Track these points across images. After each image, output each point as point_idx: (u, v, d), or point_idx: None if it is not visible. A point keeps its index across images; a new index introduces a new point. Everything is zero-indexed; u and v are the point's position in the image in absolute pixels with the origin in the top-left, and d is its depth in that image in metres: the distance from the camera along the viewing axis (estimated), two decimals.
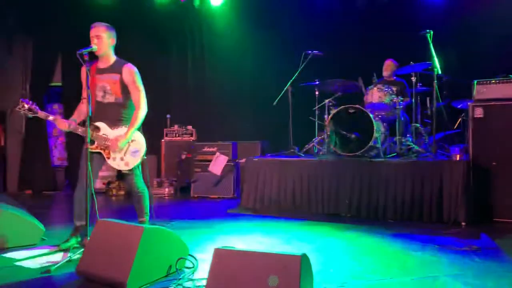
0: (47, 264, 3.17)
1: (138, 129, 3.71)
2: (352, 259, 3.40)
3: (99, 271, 2.78)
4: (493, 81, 4.82)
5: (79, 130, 3.59)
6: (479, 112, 4.84)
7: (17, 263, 3.23)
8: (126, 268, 2.64)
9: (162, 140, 7.29)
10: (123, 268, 2.65)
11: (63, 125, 3.58)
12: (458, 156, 4.79)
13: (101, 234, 2.95)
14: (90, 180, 3.33)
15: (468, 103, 4.93)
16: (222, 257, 2.37)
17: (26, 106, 3.51)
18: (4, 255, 3.41)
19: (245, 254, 2.38)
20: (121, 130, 3.66)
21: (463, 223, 4.47)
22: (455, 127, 5.78)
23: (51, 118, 3.60)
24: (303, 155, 5.67)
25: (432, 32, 5.12)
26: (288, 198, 5.27)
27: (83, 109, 3.66)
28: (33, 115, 3.56)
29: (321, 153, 5.69)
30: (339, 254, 3.55)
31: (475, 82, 4.87)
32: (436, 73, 5.13)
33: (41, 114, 3.58)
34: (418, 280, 2.89)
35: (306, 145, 5.84)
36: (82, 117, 3.67)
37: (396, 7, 6.82)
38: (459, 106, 5.75)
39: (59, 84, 7.76)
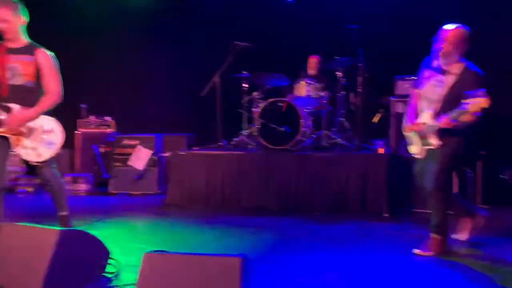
0: None
1: (56, 119, 3.44)
2: (290, 254, 3.34)
3: (8, 283, 2.44)
4: (414, 77, 5.02)
5: None
6: (400, 107, 5.04)
7: None
8: (38, 278, 2.33)
9: (76, 132, 6.71)
10: (35, 278, 2.34)
11: None
12: (381, 149, 4.95)
13: (9, 240, 2.59)
14: None
15: (390, 98, 5.11)
16: (153, 262, 2.13)
17: None
18: None
19: (179, 257, 2.17)
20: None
21: (385, 214, 4.63)
22: (377, 121, 5.98)
23: None
24: (231, 148, 5.53)
25: (359, 27, 5.21)
26: (217, 193, 5.12)
27: None
28: None
29: (249, 146, 5.60)
30: (275, 251, 3.47)
31: (397, 78, 5.07)
32: (360, 68, 5.26)
33: None
34: None
35: (235, 139, 5.70)
36: None
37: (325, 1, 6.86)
38: (381, 101, 5.95)
39: None
